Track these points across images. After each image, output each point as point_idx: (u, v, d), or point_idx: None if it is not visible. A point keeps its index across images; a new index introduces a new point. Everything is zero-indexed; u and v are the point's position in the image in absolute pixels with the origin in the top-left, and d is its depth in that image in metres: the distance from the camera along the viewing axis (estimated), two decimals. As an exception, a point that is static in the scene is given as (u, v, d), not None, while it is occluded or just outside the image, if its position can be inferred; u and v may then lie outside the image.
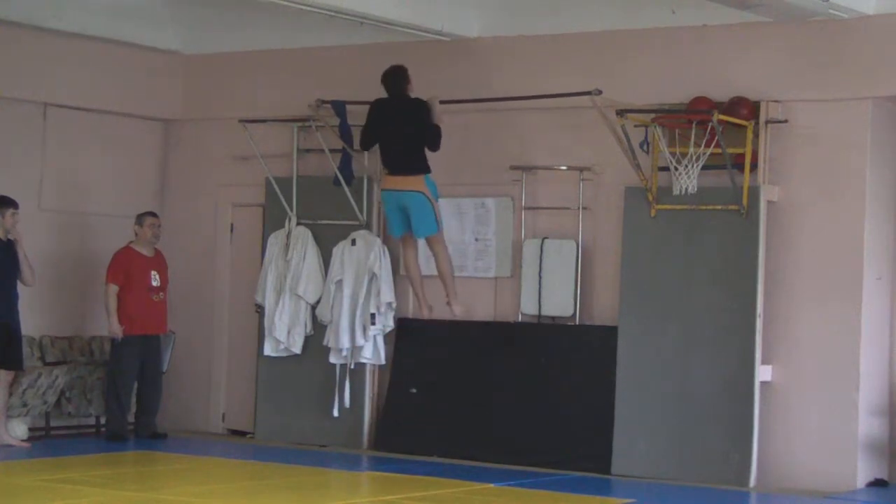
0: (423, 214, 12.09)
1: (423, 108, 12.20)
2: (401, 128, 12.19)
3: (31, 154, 13.92)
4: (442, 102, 12.34)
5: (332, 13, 12.33)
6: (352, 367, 13.31)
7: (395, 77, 12.32)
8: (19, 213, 12.84)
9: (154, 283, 13.63)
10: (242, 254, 14.47)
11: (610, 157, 12.23)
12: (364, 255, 13.28)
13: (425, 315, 12.61)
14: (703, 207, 11.86)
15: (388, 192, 12.24)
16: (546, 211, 12.88)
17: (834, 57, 11.69)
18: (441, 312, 12.64)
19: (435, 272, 12.46)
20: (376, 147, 12.54)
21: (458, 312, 12.43)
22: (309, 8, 12.13)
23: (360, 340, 13.18)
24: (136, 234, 13.72)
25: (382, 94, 12.94)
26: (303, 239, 13.64)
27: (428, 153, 12.22)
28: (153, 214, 13.88)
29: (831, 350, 11.63)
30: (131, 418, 13.81)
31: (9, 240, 12.79)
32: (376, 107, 12.41)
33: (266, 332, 13.68)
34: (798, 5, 11.23)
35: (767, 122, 11.77)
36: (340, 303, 13.29)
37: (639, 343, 12.10)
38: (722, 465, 11.67)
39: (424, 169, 12.18)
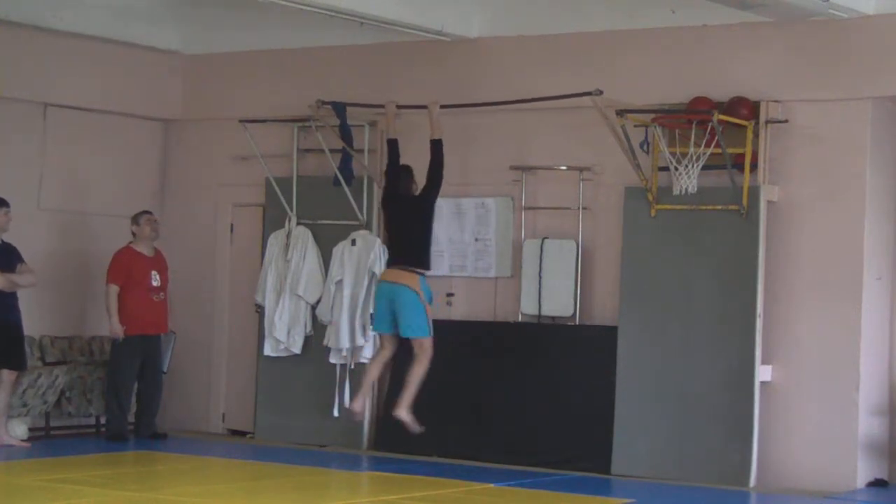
0: (413, 314, 11.66)
1: (427, 202, 11.96)
2: (407, 223, 11.95)
3: (31, 154, 13.91)
4: (443, 107, 12.29)
5: (332, 13, 12.32)
6: (352, 367, 13.30)
7: (402, 176, 12.09)
8: (10, 211, 12.78)
9: (154, 284, 13.62)
10: (242, 254, 14.46)
11: (610, 157, 12.23)
12: (364, 255, 13.27)
13: (355, 409, 12.03)
14: (703, 207, 11.86)
15: (382, 284, 11.96)
16: (546, 211, 12.88)
17: (834, 57, 11.68)
18: (439, 312, 12.63)
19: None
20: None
21: (399, 416, 11.71)
22: (309, 8, 12.12)
23: (360, 340, 13.18)
24: (135, 234, 13.70)
25: (381, 94, 12.97)
26: (303, 239, 13.63)
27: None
28: (148, 212, 13.87)
29: (831, 350, 11.62)
30: (131, 418, 13.81)
31: (3, 241, 12.76)
32: (386, 200, 12.25)
33: (266, 332, 13.68)
34: (798, 5, 11.23)
35: (767, 122, 11.77)
36: (340, 303, 13.29)
37: (639, 343, 12.09)
38: (722, 465, 11.67)
39: (424, 265, 11.85)
